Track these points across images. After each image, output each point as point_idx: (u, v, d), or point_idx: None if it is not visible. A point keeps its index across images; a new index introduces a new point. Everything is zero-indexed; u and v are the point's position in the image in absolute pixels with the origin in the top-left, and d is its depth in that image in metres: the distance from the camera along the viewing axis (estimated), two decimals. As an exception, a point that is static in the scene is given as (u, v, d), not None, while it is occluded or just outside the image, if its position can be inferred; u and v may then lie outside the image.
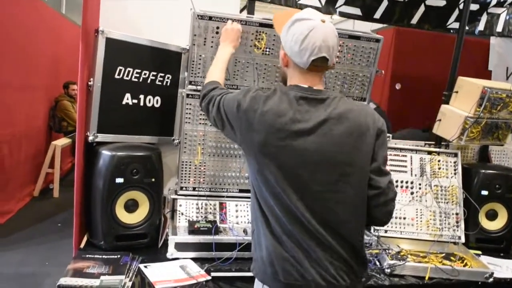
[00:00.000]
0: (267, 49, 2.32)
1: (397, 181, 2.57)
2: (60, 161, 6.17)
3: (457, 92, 2.73)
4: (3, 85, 4.98)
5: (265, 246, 1.57)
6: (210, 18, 2.22)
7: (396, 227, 2.54)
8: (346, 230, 1.54)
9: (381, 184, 1.57)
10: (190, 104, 2.35)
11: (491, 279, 2.22)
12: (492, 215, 2.65)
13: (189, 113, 2.36)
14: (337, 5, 3.25)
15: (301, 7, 3.01)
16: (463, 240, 2.55)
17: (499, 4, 3.72)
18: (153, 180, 2.20)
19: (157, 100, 2.42)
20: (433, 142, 2.89)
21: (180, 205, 2.37)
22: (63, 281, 1.78)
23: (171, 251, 2.12)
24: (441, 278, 2.19)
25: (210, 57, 2.28)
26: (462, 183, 2.63)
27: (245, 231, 2.25)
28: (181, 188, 2.40)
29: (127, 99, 2.32)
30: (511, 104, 2.66)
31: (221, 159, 2.43)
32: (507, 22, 4.09)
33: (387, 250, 2.34)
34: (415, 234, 2.55)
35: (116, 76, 2.26)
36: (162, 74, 2.40)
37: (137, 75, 2.32)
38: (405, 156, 2.65)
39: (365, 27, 4.59)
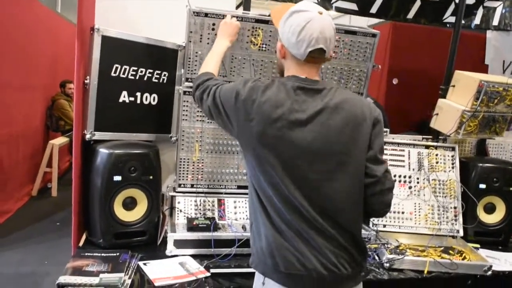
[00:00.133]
0: (264, 45, 2.32)
1: (395, 176, 2.57)
2: (58, 160, 6.16)
3: (454, 86, 2.74)
4: (0, 84, 4.97)
5: (264, 237, 1.58)
6: (206, 14, 2.21)
7: (394, 222, 2.55)
8: (344, 219, 1.55)
9: (377, 173, 1.57)
10: (187, 101, 2.35)
11: (489, 272, 2.23)
12: (490, 209, 2.66)
13: (186, 110, 2.36)
14: (333, 0, 3.24)
15: (298, 1, 3.00)
16: (461, 233, 2.56)
17: (495, -2, 3.73)
18: (151, 177, 2.20)
19: (154, 98, 2.42)
20: (430, 137, 2.90)
21: (179, 202, 2.37)
22: (63, 279, 1.78)
23: (170, 248, 2.12)
24: (440, 272, 2.20)
25: (206, 53, 2.25)
26: (460, 176, 2.64)
27: (243, 227, 2.25)
28: (179, 185, 2.40)
29: (124, 97, 2.31)
30: (508, 97, 2.66)
31: (219, 156, 2.43)
32: (503, 16, 4.09)
33: (385, 245, 2.34)
34: (413, 228, 2.55)
35: (113, 74, 2.25)
36: (159, 72, 2.39)
37: (134, 73, 2.31)
38: (403, 150, 2.65)
39: (361, 23, 4.58)
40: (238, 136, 1.64)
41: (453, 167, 2.65)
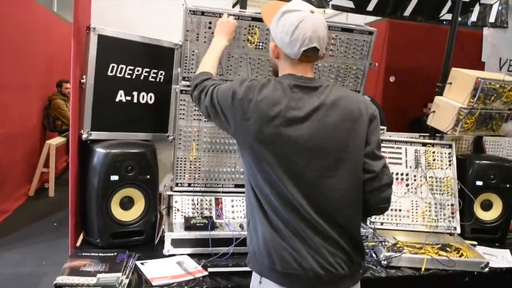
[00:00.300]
0: (260, 43, 2.32)
1: (392, 173, 2.56)
2: (55, 160, 6.15)
3: (450, 83, 2.74)
4: (-3, 84, 4.97)
5: (262, 236, 1.57)
6: (203, 13, 2.21)
7: (392, 219, 2.55)
8: (343, 217, 1.55)
9: (374, 168, 1.57)
10: (184, 100, 2.34)
11: (486, 269, 2.23)
12: (487, 206, 2.67)
13: (183, 109, 2.35)
14: (330, -2, 3.25)
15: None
16: (458, 230, 2.56)
17: (491, -5, 3.74)
18: (148, 177, 2.20)
19: (150, 97, 2.41)
20: (427, 134, 2.90)
21: (176, 202, 2.36)
22: (60, 279, 1.77)
23: (168, 248, 2.12)
24: (437, 269, 2.20)
25: (203, 52, 2.26)
26: (457, 174, 2.64)
27: (241, 226, 2.25)
28: (177, 185, 2.40)
29: (121, 96, 2.31)
30: (504, 94, 2.66)
31: (216, 155, 2.43)
32: (500, 13, 4.10)
33: (383, 242, 2.35)
34: (411, 226, 2.56)
35: (109, 73, 2.24)
36: (155, 71, 2.39)
37: (130, 72, 2.31)
38: (400, 148, 2.65)
39: (358, 20, 4.59)
40: (235, 135, 1.64)
41: (450, 165, 2.66)
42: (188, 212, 2.34)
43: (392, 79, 5.14)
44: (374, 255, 2.27)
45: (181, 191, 2.40)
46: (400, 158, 2.64)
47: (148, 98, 2.40)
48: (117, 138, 2.31)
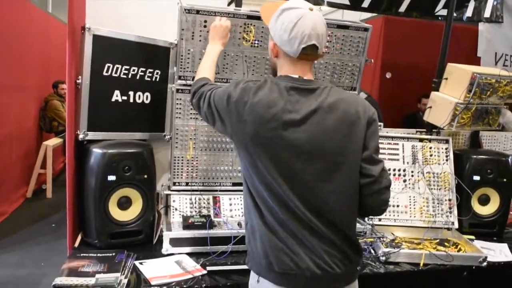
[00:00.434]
0: (256, 42, 2.31)
1: (389, 169, 2.58)
2: (52, 161, 6.14)
3: (446, 78, 2.74)
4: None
5: (259, 237, 1.57)
6: (198, 11, 2.20)
7: (389, 215, 2.55)
8: (339, 219, 1.55)
9: (373, 173, 1.57)
10: (180, 99, 2.34)
11: (485, 263, 2.24)
12: (484, 200, 2.67)
13: (180, 108, 2.35)
14: (325, -5, 3.25)
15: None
16: (456, 225, 2.57)
17: (486, -10, 3.75)
18: (145, 176, 2.19)
19: (146, 96, 2.41)
20: (424, 130, 2.91)
21: (174, 201, 2.36)
22: (59, 280, 1.77)
23: (166, 247, 2.12)
24: (436, 264, 2.21)
25: (198, 51, 2.27)
26: (454, 169, 2.64)
27: (239, 224, 2.25)
28: (174, 184, 2.40)
29: (117, 96, 2.30)
30: (500, 89, 2.67)
31: (213, 153, 2.42)
32: (495, 8, 4.11)
33: (381, 238, 2.35)
34: (408, 222, 2.56)
35: (105, 73, 2.24)
36: (151, 70, 2.38)
37: (126, 72, 2.30)
38: (397, 144, 2.65)
39: (354, 17, 4.59)
40: (232, 137, 1.64)
41: (447, 160, 2.66)
42: (186, 211, 2.33)
43: (388, 75, 5.15)
44: (372, 251, 2.28)
45: (179, 190, 2.40)
46: (397, 154, 2.64)
47: (144, 97, 2.40)
48: (114, 138, 2.31)
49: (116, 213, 2.16)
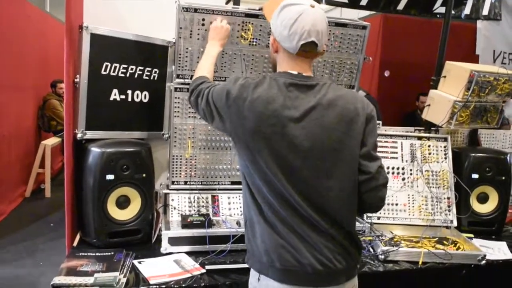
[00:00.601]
0: (254, 40, 2.31)
1: (388, 168, 2.58)
2: (50, 161, 6.13)
3: (445, 76, 2.74)
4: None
5: (259, 235, 1.57)
6: (196, 10, 2.19)
7: (388, 213, 2.55)
8: (339, 216, 1.55)
9: (370, 169, 1.57)
10: (179, 98, 2.33)
11: (483, 262, 2.24)
12: (483, 198, 2.68)
13: (178, 107, 2.34)
14: (324, -7, 3.24)
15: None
16: (455, 224, 2.57)
17: (484, -13, 3.74)
18: (144, 175, 2.19)
19: (145, 95, 2.41)
20: (422, 128, 2.90)
21: (172, 200, 2.36)
22: (57, 280, 1.77)
23: (165, 246, 2.12)
24: (435, 262, 2.21)
25: (197, 49, 2.26)
26: (452, 167, 2.64)
27: (238, 223, 2.25)
28: (173, 183, 2.39)
29: (115, 95, 2.30)
30: (498, 87, 2.67)
31: (211, 152, 2.42)
32: (493, 5, 4.11)
33: (380, 237, 2.35)
34: (407, 220, 2.56)
35: (103, 72, 2.23)
36: (149, 69, 2.38)
37: (124, 71, 2.30)
38: (396, 142, 2.65)
39: (352, 15, 4.59)
40: (231, 134, 1.63)
41: (445, 158, 2.66)
42: (185, 210, 2.33)
43: (387, 73, 5.15)
44: (371, 249, 2.28)
45: (178, 189, 2.40)
46: (396, 152, 2.64)
47: (142, 96, 2.39)
48: (112, 137, 2.30)
49: (115, 212, 2.16)
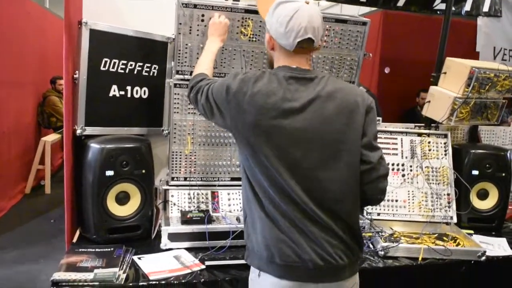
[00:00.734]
0: (254, 36, 2.30)
1: (388, 164, 2.57)
2: (50, 157, 6.13)
3: (445, 73, 2.73)
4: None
5: (260, 229, 1.57)
6: (195, 6, 2.19)
7: (388, 210, 2.55)
8: (341, 209, 1.55)
9: (372, 159, 1.57)
10: (178, 94, 2.33)
11: (483, 258, 2.24)
12: (483, 195, 2.67)
13: (178, 103, 2.34)
14: (324, -11, 3.24)
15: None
16: (455, 220, 2.57)
17: (485, -16, 3.73)
18: (143, 171, 2.19)
19: (144, 91, 2.40)
20: (423, 124, 2.90)
21: (172, 196, 2.36)
22: (57, 276, 1.77)
23: (165, 242, 2.12)
24: (435, 258, 2.21)
25: (196, 45, 2.26)
26: (452, 163, 2.64)
27: (238, 219, 2.25)
28: (172, 179, 2.39)
29: (114, 91, 2.29)
30: (499, 83, 2.66)
31: (211, 148, 2.42)
32: (494, 2, 4.10)
33: (380, 233, 2.35)
34: (407, 216, 2.56)
35: (102, 68, 2.23)
36: (149, 65, 2.37)
37: (123, 66, 2.29)
38: (396, 138, 2.65)
39: (353, 12, 4.58)
40: (232, 129, 1.63)
41: (445, 154, 2.66)
42: (185, 206, 2.33)
43: (387, 70, 5.15)
44: (371, 245, 2.28)
45: (177, 185, 2.40)
46: (396, 149, 2.64)
47: (142, 92, 2.39)
48: (112, 133, 2.30)
49: (115, 208, 2.16)
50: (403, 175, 2.60)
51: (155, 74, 2.41)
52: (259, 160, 1.53)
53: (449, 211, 2.58)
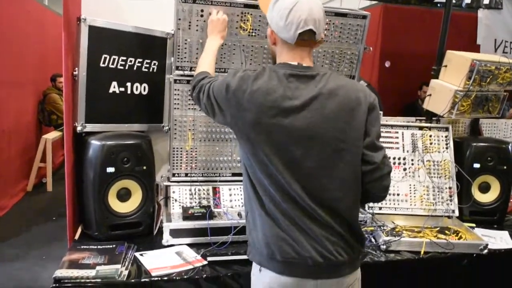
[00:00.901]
0: (253, 30, 2.29)
1: (389, 158, 2.56)
2: (51, 155, 6.13)
3: (446, 66, 2.72)
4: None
5: (260, 227, 1.57)
6: (194, 1, 2.17)
7: (390, 204, 2.55)
8: (341, 207, 1.54)
9: (375, 160, 1.57)
10: (178, 90, 2.32)
11: (485, 251, 2.24)
12: (485, 188, 2.67)
13: (178, 99, 2.33)
14: (323, -17, 3.22)
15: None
16: (457, 213, 2.57)
17: (485, -24, 3.72)
18: (144, 168, 2.18)
19: (144, 87, 2.39)
20: (424, 118, 2.89)
21: (173, 192, 2.35)
22: (59, 273, 1.77)
23: (167, 238, 2.12)
24: (437, 252, 2.21)
25: (195, 41, 2.25)
26: (454, 157, 2.64)
27: (239, 214, 2.24)
28: (174, 175, 2.39)
29: (114, 87, 2.29)
30: (500, 76, 2.66)
31: (212, 144, 2.42)
32: (494, -6, 4.08)
33: (382, 227, 2.35)
34: (409, 210, 2.56)
35: (102, 65, 2.22)
36: (148, 61, 2.36)
37: (123, 63, 2.28)
38: (397, 132, 2.64)
39: (353, 5, 4.56)
40: (232, 127, 1.63)
41: (447, 148, 2.65)
42: (186, 202, 2.33)
43: (387, 64, 5.13)
44: (373, 239, 2.28)
45: (178, 181, 2.39)
46: (397, 143, 2.63)
47: (142, 88, 2.38)
48: (112, 130, 2.29)
49: (116, 205, 2.16)
50: (405, 169, 2.60)
51: (154, 70, 2.40)
52: (259, 158, 1.52)
53: (451, 204, 2.57)
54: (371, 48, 2.52)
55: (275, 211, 1.53)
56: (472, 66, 2.55)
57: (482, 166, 2.63)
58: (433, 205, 2.56)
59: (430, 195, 2.58)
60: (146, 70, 2.37)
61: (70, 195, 2.15)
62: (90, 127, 2.24)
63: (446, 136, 2.67)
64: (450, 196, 2.58)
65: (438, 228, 2.37)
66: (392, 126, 2.65)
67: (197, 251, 2.06)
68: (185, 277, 1.87)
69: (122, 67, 2.28)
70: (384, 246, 2.19)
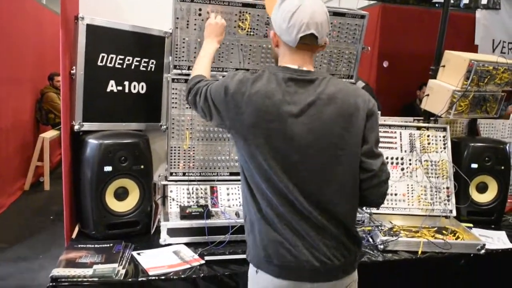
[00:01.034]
0: (252, 30, 2.29)
1: (387, 158, 2.57)
2: (49, 154, 6.12)
3: (444, 66, 2.72)
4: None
5: (258, 231, 1.57)
6: (192, 0, 2.17)
7: (388, 204, 2.55)
8: (339, 212, 1.54)
9: (373, 167, 1.56)
10: (176, 89, 2.32)
11: (483, 251, 2.24)
12: (482, 188, 2.67)
13: (176, 98, 2.33)
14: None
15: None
16: (454, 213, 2.57)
17: (483, -24, 3.72)
18: (142, 167, 2.18)
19: (142, 86, 2.39)
20: (421, 118, 2.89)
21: (171, 191, 2.35)
22: (56, 272, 1.76)
23: (164, 237, 2.11)
24: (434, 252, 2.21)
25: (193, 40, 2.25)
26: (451, 157, 2.64)
27: (237, 214, 2.24)
28: (171, 174, 2.38)
29: (112, 86, 2.28)
30: (498, 76, 2.66)
31: (210, 143, 2.41)
32: (492, -6, 4.08)
33: (379, 227, 2.35)
34: (407, 210, 2.56)
35: (99, 63, 2.21)
36: (146, 60, 2.36)
37: (121, 61, 2.28)
38: (395, 132, 2.65)
39: (351, 5, 4.57)
40: (230, 130, 1.62)
41: (445, 148, 2.65)
42: (184, 201, 2.33)
43: (385, 64, 5.14)
44: (370, 239, 2.28)
45: (176, 181, 2.39)
46: (395, 143, 2.63)
47: (139, 87, 2.38)
48: (110, 128, 2.29)
49: (113, 204, 2.15)
50: (402, 169, 2.60)
51: (152, 69, 2.39)
52: (257, 162, 1.52)
53: (449, 204, 2.57)
54: (369, 48, 2.52)
55: (272, 215, 1.53)
56: (470, 66, 2.56)
57: (480, 166, 2.63)
58: (431, 205, 2.57)
59: (427, 195, 2.58)
60: (144, 69, 2.36)
61: (68, 194, 2.14)
62: (87, 126, 2.23)
63: (444, 136, 2.67)
64: (448, 196, 2.58)
65: (436, 228, 2.37)
66: (390, 126, 2.65)
67: (195, 251, 2.05)
68: (183, 276, 1.86)
69: (119, 66, 2.28)
70: (382, 246, 2.19)
